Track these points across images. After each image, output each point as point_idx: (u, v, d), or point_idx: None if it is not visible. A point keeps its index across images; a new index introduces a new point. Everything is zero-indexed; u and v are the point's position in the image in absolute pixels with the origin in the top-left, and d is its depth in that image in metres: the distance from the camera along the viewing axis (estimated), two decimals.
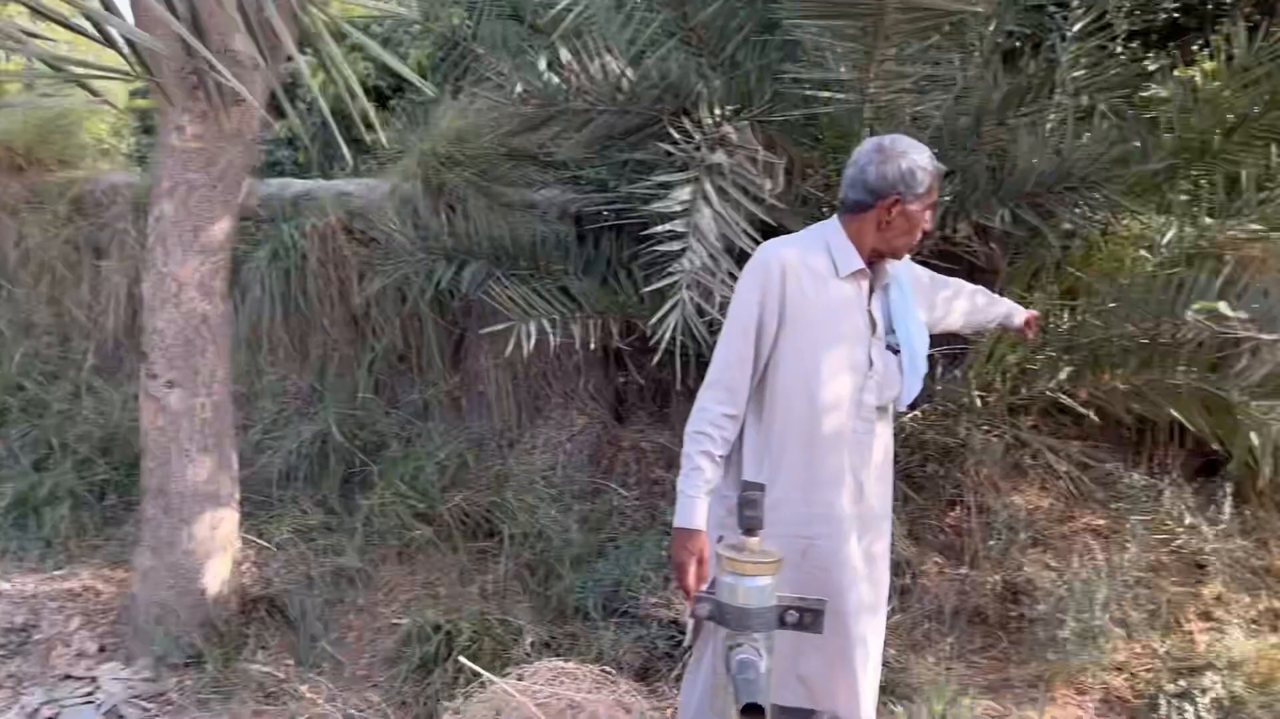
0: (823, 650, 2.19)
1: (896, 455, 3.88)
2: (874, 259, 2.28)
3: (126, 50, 3.11)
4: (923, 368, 2.33)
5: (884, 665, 2.76)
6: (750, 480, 1.77)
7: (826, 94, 3.49)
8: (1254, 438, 3.32)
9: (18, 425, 4.62)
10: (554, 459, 4.20)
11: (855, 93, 3.38)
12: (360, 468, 4.26)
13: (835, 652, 2.22)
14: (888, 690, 3.15)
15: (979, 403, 3.97)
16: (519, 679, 2.00)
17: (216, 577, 3.50)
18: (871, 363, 2.25)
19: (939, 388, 4.01)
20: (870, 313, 2.28)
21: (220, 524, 3.50)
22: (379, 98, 8.93)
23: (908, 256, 2.43)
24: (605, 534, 3.86)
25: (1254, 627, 3.63)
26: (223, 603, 3.51)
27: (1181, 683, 3.27)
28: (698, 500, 2.20)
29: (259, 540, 3.90)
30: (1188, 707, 3.17)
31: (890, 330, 2.31)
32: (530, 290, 3.75)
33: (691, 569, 2.18)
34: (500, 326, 3.67)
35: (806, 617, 1.66)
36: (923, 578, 3.76)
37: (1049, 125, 3.87)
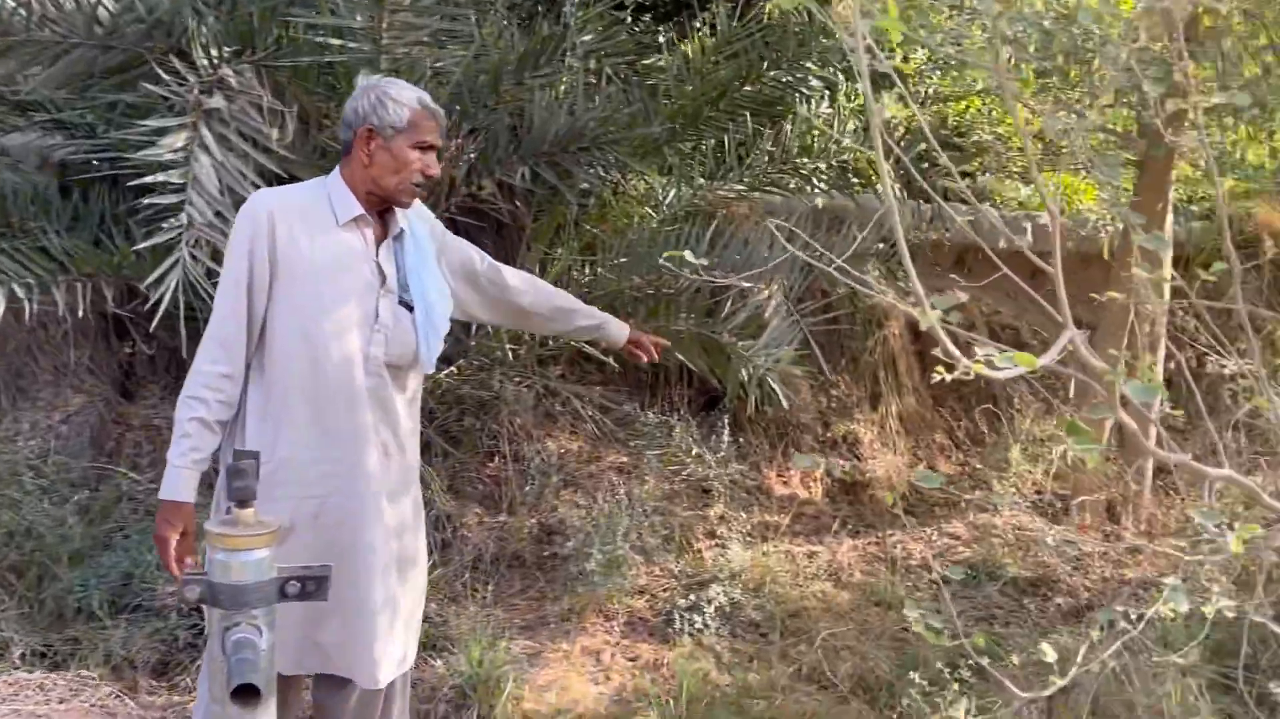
0: (340, 614, 2.13)
1: (433, 412, 3.89)
2: (378, 206, 2.21)
3: None
4: (442, 326, 2.27)
5: (425, 621, 2.75)
6: (242, 449, 1.65)
7: (339, 42, 3.35)
8: (743, 373, 3.77)
9: None
10: (44, 445, 3.66)
11: (369, 42, 3.29)
12: None
13: (353, 614, 2.16)
14: (428, 646, 3.17)
15: (511, 356, 4.10)
16: None
17: None
18: (378, 316, 2.18)
19: (473, 343, 4.08)
20: (378, 264, 2.20)
21: None
22: None
23: (425, 212, 2.37)
24: (112, 524, 3.45)
25: (749, 539, 4.15)
26: None
27: (692, 597, 3.66)
28: (183, 470, 2.04)
29: None
30: (697, 617, 3.55)
31: (406, 287, 2.26)
32: None
33: (173, 545, 2.04)
34: None
35: (309, 584, 1.59)
36: (463, 529, 3.83)
37: (563, 87, 4.05)
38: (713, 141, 4.50)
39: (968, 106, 5.97)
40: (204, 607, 2.04)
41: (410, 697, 2.52)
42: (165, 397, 3.97)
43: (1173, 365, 4.67)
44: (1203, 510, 1.59)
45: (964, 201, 4.60)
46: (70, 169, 3.95)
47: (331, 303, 2.12)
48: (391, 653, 2.24)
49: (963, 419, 5.24)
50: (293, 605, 1.93)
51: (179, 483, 2.04)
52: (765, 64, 4.15)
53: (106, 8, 3.07)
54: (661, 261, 3.17)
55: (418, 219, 2.31)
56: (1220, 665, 2.97)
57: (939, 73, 5.74)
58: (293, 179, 3.40)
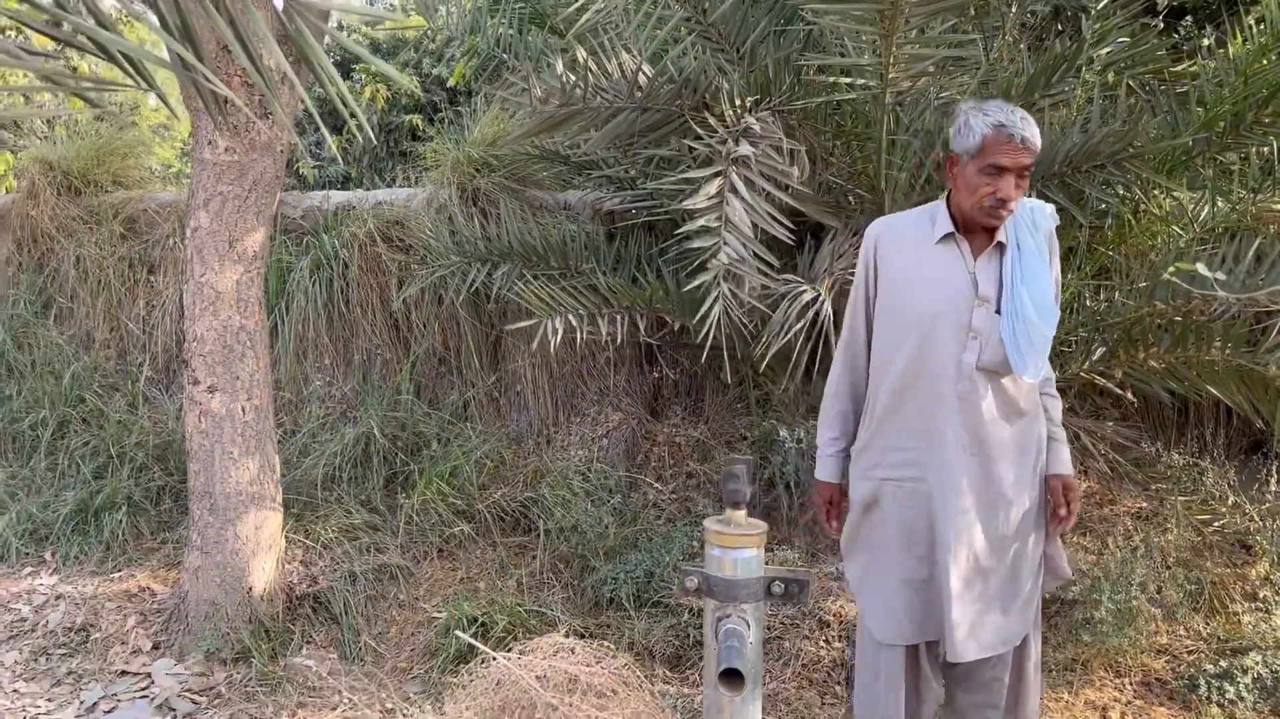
0: (929, 588, 2.28)
1: None
2: (971, 223, 2.25)
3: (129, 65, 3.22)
4: (1035, 336, 2.19)
5: None
6: (735, 456, 1.80)
7: (847, 80, 3.50)
8: None
9: (79, 436, 4.80)
10: (589, 455, 4.25)
11: (875, 78, 3.38)
12: (402, 468, 4.36)
13: (932, 589, 2.28)
14: None
15: None
16: (520, 655, 2.05)
17: (262, 575, 3.61)
18: (972, 324, 2.23)
19: None
20: (974, 275, 2.25)
21: (264, 524, 3.62)
22: (432, 110, 9.18)
23: (1045, 222, 2.30)
24: (639, 527, 3.90)
25: None
26: (269, 600, 3.63)
27: (1224, 663, 3.22)
28: (826, 457, 2.48)
29: (305, 540, 4.01)
30: (1228, 686, 3.12)
31: (1000, 297, 2.25)
32: (559, 288, 3.82)
33: (824, 512, 2.49)
34: (527, 323, 3.74)
35: (793, 586, 1.69)
36: None
37: (1076, 104, 3.82)
38: (1254, 150, 3.95)
39: None
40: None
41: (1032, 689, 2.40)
42: (685, 418, 4.40)
43: None
44: None
45: None
46: (615, 218, 4.57)
47: (925, 312, 2.25)
48: (968, 629, 2.22)
49: None
50: (912, 577, 2.26)
51: (823, 466, 2.49)
52: None
53: (645, 74, 3.51)
54: (1167, 275, 2.84)
55: (1032, 230, 2.27)
56: None
57: None
58: (803, 215, 3.63)
